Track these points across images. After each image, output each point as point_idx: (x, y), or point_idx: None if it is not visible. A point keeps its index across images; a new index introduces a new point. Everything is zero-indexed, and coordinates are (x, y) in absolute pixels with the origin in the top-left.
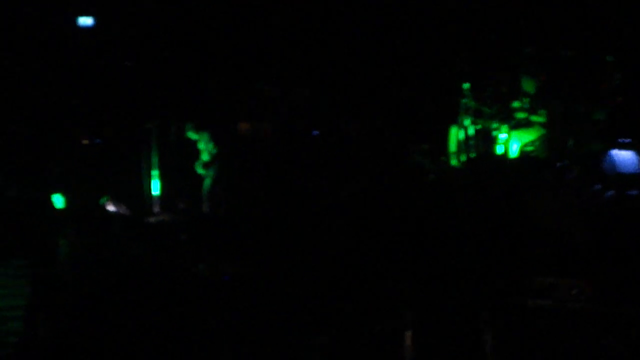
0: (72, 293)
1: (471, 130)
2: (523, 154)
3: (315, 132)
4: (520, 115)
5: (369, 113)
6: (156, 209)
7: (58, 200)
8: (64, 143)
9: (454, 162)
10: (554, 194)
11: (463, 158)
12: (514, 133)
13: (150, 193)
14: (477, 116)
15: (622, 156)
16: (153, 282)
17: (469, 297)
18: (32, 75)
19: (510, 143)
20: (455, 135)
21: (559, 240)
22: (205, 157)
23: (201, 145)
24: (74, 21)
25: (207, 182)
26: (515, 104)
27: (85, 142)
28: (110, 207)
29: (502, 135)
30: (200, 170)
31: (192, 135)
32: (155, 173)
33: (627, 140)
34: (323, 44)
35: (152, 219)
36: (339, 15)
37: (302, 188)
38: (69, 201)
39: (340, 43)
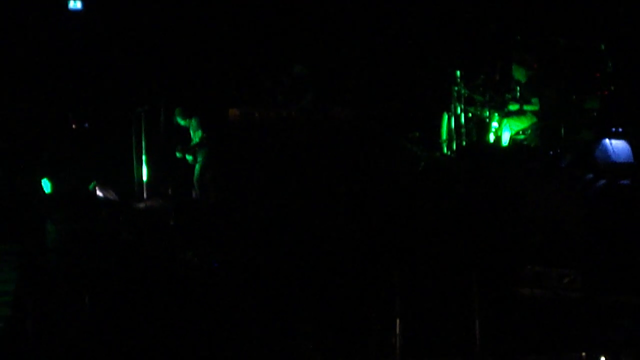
0: (61, 279)
1: (463, 119)
2: (515, 143)
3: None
4: (512, 104)
5: (361, 99)
6: (145, 194)
7: (46, 185)
8: (52, 127)
9: (445, 150)
10: (545, 183)
11: (454, 146)
12: (506, 121)
13: (139, 179)
14: (468, 104)
15: (615, 145)
16: (141, 268)
17: (460, 285)
18: (20, 59)
19: (502, 131)
20: (447, 123)
21: (550, 229)
22: (194, 142)
23: (191, 131)
24: (64, 4)
25: (197, 169)
26: (507, 93)
27: (73, 126)
28: (99, 193)
29: (494, 124)
30: (179, 155)
31: (180, 120)
32: (144, 159)
33: (620, 129)
34: (316, 29)
35: (140, 205)
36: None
37: (293, 175)
38: (57, 186)
39: (333, 29)
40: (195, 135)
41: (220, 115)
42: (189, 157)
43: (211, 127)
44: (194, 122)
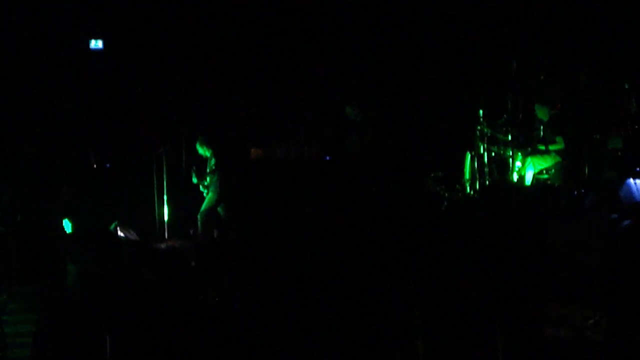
0: (81, 319)
1: (486, 158)
2: (538, 182)
3: (327, 158)
4: (536, 143)
5: (384, 139)
6: (166, 234)
7: (67, 225)
8: (73, 167)
9: (468, 189)
10: (570, 223)
11: (477, 185)
12: (529, 160)
13: (161, 219)
14: (491, 143)
15: (639, 185)
16: (162, 309)
17: (483, 325)
18: (42, 98)
19: (525, 170)
20: (470, 162)
21: (575, 269)
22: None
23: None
24: (86, 44)
25: (205, 204)
26: (530, 132)
27: (95, 166)
28: (120, 233)
29: (517, 163)
30: (195, 180)
31: (199, 148)
32: (165, 198)
33: None
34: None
35: (162, 245)
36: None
37: (315, 214)
38: (77, 226)
39: (356, 68)
40: (210, 165)
41: (241, 155)
42: (202, 189)
43: (226, 159)
44: (210, 152)
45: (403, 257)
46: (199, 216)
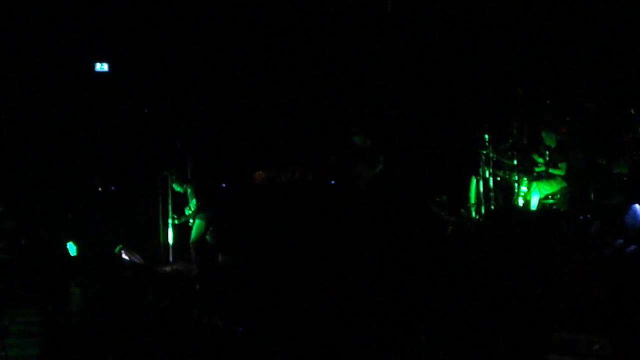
0: (85, 342)
1: (491, 182)
2: (544, 207)
3: (332, 182)
4: (541, 167)
5: (388, 163)
6: (171, 258)
7: (71, 249)
8: (78, 190)
9: (473, 214)
10: (575, 248)
11: (483, 210)
12: (535, 185)
13: (165, 242)
14: (497, 168)
15: None
16: (167, 332)
17: (488, 351)
18: (47, 120)
19: (531, 195)
20: (475, 187)
21: (580, 295)
22: (190, 210)
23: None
24: (91, 67)
25: (194, 233)
26: (536, 156)
27: (99, 189)
28: (125, 256)
29: (523, 188)
30: (177, 222)
31: (175, 186)
32: (170, 222)
33: None
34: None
35: (166, 268)
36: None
37: (319, 236)
38: (82, 249)
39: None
40: (191, 204)
41: (243, 177)
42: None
43: (205, 196)
44: (189, 189)
45: (408, 281)
46: (191, 245)
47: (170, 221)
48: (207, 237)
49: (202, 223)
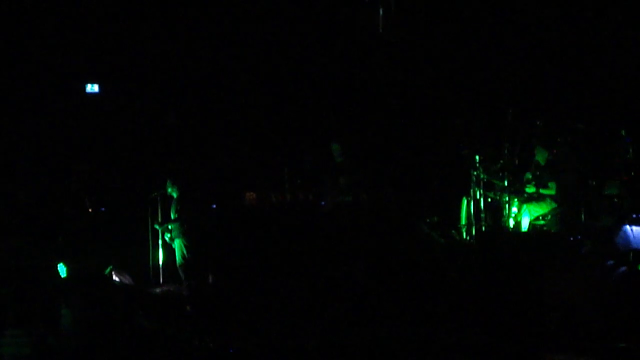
0: None
1: (482, 203)
2: (534, 228)
3: (323, 203)
4: (531, 188)
5: (378, 183)
6: (161, 279)
7: (62, 270)
8: (68, 211)
9: (464, 234)
10: (565, 269)
11: (474, 231)
12: (525, 206)
13: (156, 263)
14: (488, 189)
15: (636, 231)
16: (158, 354)
17: None
18: (37, 140)
19: (522, 216)
20: (466, 207)
21: (570, 316)
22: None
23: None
24: (81, 88)
25: (178, 255)
26: (527, 177)
27: (90, 210)
28: (115, 277)
29: (514, 209)
30: (157, 227)
31: (168, 188)
32: (160, 243)
33: None
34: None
35: (157, 289)
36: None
37: (310, 257)
38: (72, 270)
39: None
40: (172, 210)
41: (235, 198)
42: (167, 235)
43: (187, 203)
44: (174, 194)
45: (399, 302)
46: (179, 268)
47: (160, 242)
48: (189, 256)
49: (182, 244)
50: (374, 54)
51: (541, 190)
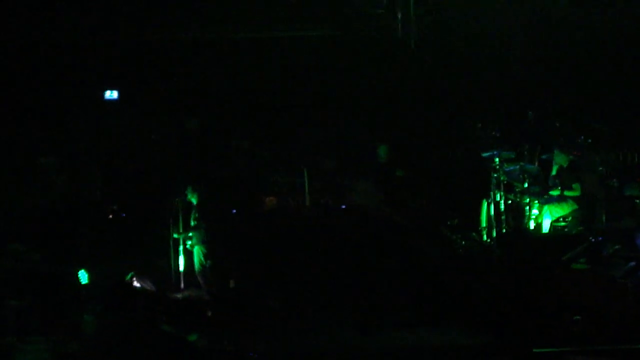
0: None
1: (502, 205)
2: (555, 229)
3: (343, 206)
4: (556, 190)
5: (398, 187)
6: (182, 284)
7: (83, 276)
8: (89, 217)
9: (485, 237)
10: (587, 271)
11: (494, 233)
12: (546, 208)
13: (177, 268)
14: (508, 191)
15: None
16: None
17: None
18: (55, 146)
19: (543, 218)
20: (487, 210)
21: (592, 318)
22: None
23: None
24: (100, 95)
25: (196, 260)
26: (547, 179)
27: (110, 216)
28: (136, 283)
29: (534, 211)
30: (176, 235)
31: (188, 194)
32: (181, 248)
33: None
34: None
35: (178, 295)
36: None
37: (330, 261)
38: (94, 277)
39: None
40: (192, 217)
41: (254, 202)
42: (188, 242)
43: (207, 209)
44: (193, 200)
45: (420, 305)
46: (197, 274)
47: (180, 247)
48: (208, 263)
49: (200, 251)
50: (395, 59)
51: (565, 192)
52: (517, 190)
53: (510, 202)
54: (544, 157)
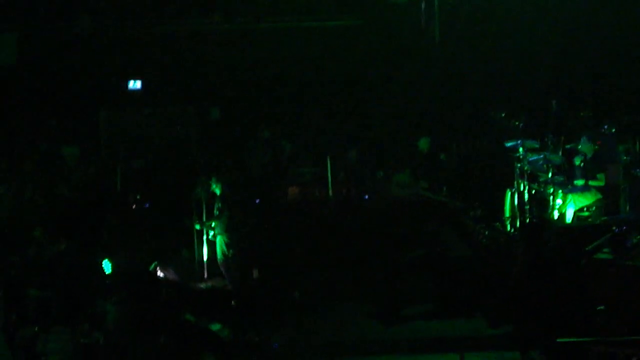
0: None
1: (526, 195)
2: (579, 219)
3: (366, 197)
4: (577, 180)
5: (423, 177)
6: (206, 274)
7: (106, 266)
8: (112, 207)
9: (508, 227)
10: (611, 262)
11: (518, 223)
12: (570, 197)
13: (200, 258)
14: (532, 181)
15: None
16: (203, 349)
17: None
18: (80, 135)
19: (566, 208)
20: (510, 199)
21: (617, 309)
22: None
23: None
24: (124, 85)
25: (219, 251)
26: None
27: (134, 206)
28: (160, 273)
29: (558, 200)
30: (197, 227)
31: (213, 184)
32: (204, 238)
33: None
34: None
35: (201, 285)
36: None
37: (353, 251)
38: (117, 267)
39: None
40: (215, 207)
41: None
42: (210, 232)
43: (230, 200)
44: (217, 190)
45: (444, 295)
46: (220, 265)
47: (204, 237)
48: (230, 252)
49: (222, 241)
50: (419, 49)
51: (590, 182)
52: (540, 180)
53: (534, 192)
54: (567, 147)
